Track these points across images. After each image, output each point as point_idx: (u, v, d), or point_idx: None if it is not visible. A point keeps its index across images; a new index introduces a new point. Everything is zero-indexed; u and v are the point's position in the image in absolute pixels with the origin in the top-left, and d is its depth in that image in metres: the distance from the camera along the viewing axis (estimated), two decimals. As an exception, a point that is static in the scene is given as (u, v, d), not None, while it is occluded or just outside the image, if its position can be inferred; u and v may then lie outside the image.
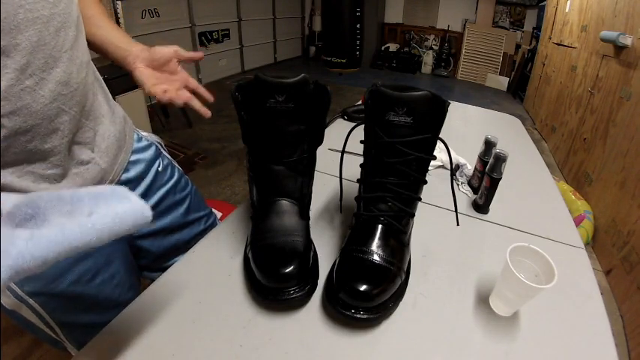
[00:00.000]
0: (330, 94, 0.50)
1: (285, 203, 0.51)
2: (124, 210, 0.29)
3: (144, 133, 0.66)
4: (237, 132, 0.50)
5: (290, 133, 0.50)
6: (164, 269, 0.54)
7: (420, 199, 0.52)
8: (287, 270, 0.44)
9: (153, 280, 0.52)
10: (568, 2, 3.19)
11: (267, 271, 0.46)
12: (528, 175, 0.87)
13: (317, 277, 0.49)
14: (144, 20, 3.43)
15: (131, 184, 0.59)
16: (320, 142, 0.54)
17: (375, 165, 0.50)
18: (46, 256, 0.24)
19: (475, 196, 0.73)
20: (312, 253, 0.51)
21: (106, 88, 0.56)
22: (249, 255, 0.50)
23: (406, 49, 5.86)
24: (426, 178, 0.51)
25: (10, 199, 0.25)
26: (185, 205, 0.71)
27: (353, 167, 0.56)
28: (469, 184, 0.79)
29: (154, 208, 0.48)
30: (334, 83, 4.40)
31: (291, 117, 0.48)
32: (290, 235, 0.49)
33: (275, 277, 0.45)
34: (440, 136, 0.49)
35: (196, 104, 0.58)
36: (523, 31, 4.98)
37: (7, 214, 0.24)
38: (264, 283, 0.45)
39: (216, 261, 0.55)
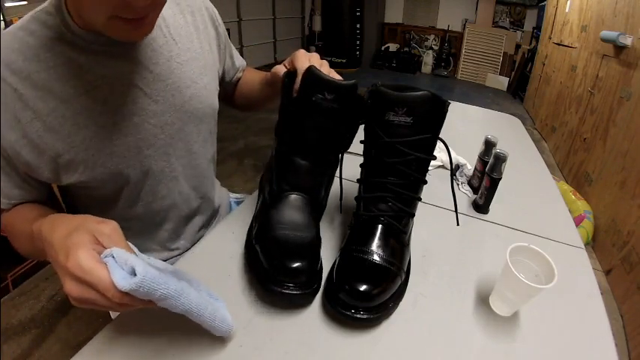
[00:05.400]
0: (366, 106, 0.50)
1: (303, 198, 0.52)
2: (223, 314, 0.40)
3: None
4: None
5: (326, 131, 0.50)
6: None
7: (420, 199, 0.52)
8: (298, 264, 0.44)
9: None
10: (568, 2, 3.19)
11: (278, 261, 0.45)
12: (528, 175, 0.87)
13: (321, 278, 0.49)
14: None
15: None
16: (347, 147, 0.55)
17: (375, 165, 0.50)
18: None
19: (475, 196, 0.73)
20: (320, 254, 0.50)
21: None
22: (257, 246, 0.49)
23: (406, 49, 5.86)
24: (426, 178, 0.51)
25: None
26: None
27: (353, 167, 0.56)
28: (469, 184, 0.79)
29: None
30: (334, 83, 4.39)
31: (333, 117, 0.49)
32: (303, 231, 0.49)
33: (284, 270, 0.44)
34: (440, 136, 0.49)
35: None
36: (523, 31, 4.98)
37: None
38: (272, 273, 0.44)
39: (216, 261, 0.55)
